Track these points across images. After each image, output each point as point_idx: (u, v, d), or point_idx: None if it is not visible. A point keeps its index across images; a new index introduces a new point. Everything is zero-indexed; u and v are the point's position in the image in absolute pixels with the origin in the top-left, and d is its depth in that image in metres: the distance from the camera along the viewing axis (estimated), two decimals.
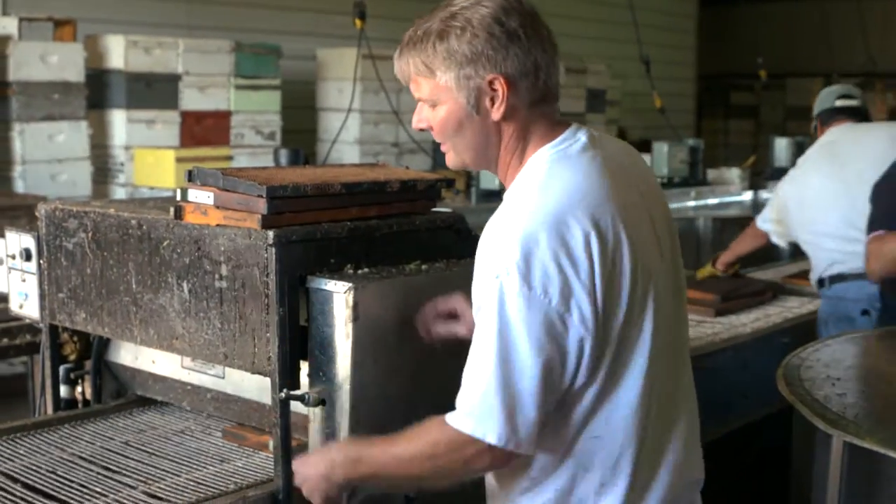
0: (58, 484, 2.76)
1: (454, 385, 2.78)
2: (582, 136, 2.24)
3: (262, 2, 9.70)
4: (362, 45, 8.42)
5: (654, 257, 2.21)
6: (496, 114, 2.20)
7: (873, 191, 4.16)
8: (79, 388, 3.44)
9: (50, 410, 3.41)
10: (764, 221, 5.46)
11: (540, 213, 2.10)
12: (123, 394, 3.47)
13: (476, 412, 2.11)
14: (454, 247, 3.00)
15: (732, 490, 3.06)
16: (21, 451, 3.01)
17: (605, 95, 11.68)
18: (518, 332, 2.06)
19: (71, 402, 3.44)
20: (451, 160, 2.36)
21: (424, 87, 2.27)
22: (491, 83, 2.18)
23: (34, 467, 2.89)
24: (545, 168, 2.19)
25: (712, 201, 9.43)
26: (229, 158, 7.97)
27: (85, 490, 2.73)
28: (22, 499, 2.67)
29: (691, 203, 9.19)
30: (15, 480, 2.79)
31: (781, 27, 18.01)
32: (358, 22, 8.18)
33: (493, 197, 7.92)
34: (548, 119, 2.26)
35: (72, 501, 2.67)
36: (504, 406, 2.08)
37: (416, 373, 2.73)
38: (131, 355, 3.37)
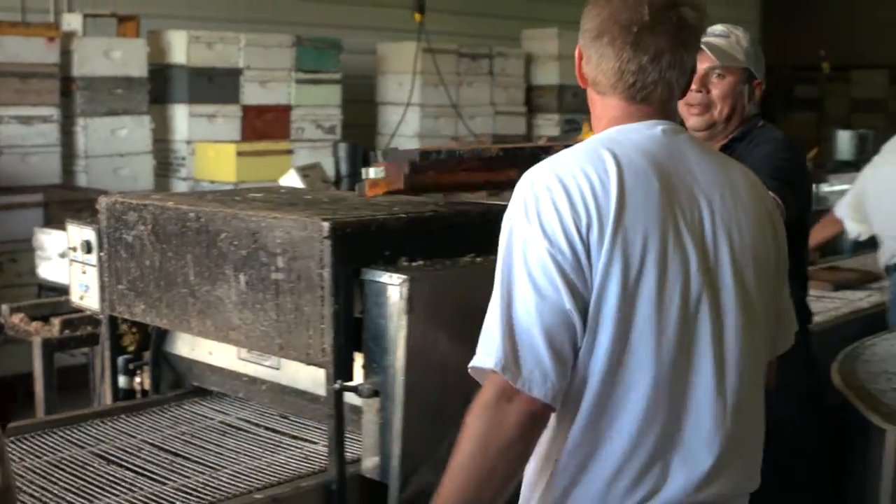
0: (117, 471, 2.81)
1: None
2: (658, 127, 2.17)
3: None
4: (422, 39, 8.45)
5: (688, 259, 2.10)
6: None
7: None
8: (137, 379, 3.49)
9: (109, 400, 3.46)
10: (841, 207, 5.37)
11: (556, 163, 2.10)
12: (181, 384, 3.51)
13: (483, 347, 2.07)
14: None
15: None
16: (78, 440, 3.07)
17: None
18: (518, 268, 2.04)
19: (130, 393, 3.48)
20: None
21: None
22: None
23: (108, 452, 2.96)
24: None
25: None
26: (289, 152, 8.01)
27: (144, 477, 2.78)
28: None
29: None
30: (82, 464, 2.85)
31: (847, 18, 17.82)
32: (417, 15, 8.21)
33: None
34: (629, 117, 2.20)
35: (132, 488, 2.72)
36: (504, 336, 2.03)
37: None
38: (188, 346, 3.41)
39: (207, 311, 3.00)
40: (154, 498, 2.67)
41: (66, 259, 3.63)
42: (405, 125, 8.81)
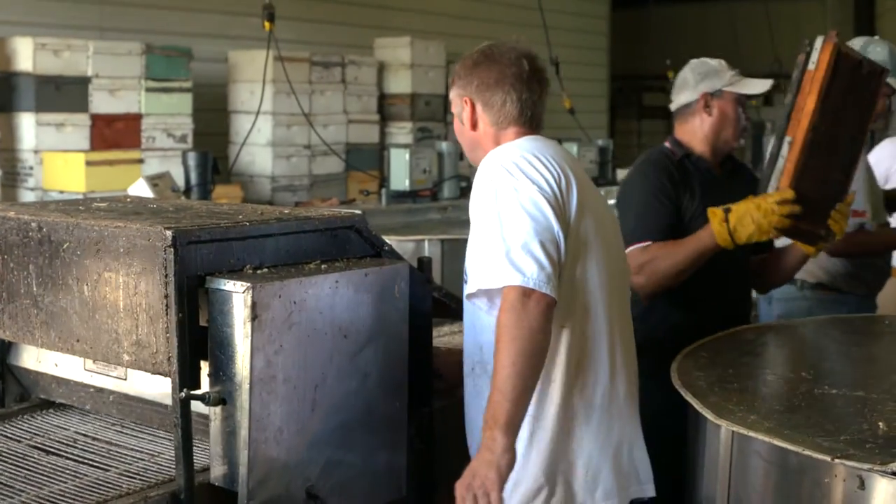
0: None
1: (358, 382, 2.84)
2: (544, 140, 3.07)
3: (172, 4, 9.64)
4: (272, 48, 8.42)
5: (600, 206, 3.07)
6: (466, 124, 3.17)
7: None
8: None
9: None
10: None
11: (519, 148, 2.97)
12: (27, 397, 3.47)
13: (486, 272, 2.79)
14: (354, 246, 3.04)
15: None
16: None
17: None
18: (513, 208, 2.80)
19: None
20: None
21: None
22: (466, 101, 3.14)
23: None
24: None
25: None
26: (140, 161, 7.91)
27: None
28: None
29: None
30: None
31: (692, 29, 18.24)
32: (267, 24, 8.17)
33: (403, 198, 8.02)
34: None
35: None
36: (509, 256, 2.75)
37: (318, 371, 2.76)
38: (34, 358, 3.37)
39: (52, 322, 2.98)
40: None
41: None
42: (257, 134, 8.76)
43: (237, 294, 2.61)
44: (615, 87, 17.67)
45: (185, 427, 2.69)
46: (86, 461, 2.96)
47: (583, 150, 9.45)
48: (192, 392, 2.67)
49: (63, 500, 2.69)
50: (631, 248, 3.74)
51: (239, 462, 2.66)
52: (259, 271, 2.74)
